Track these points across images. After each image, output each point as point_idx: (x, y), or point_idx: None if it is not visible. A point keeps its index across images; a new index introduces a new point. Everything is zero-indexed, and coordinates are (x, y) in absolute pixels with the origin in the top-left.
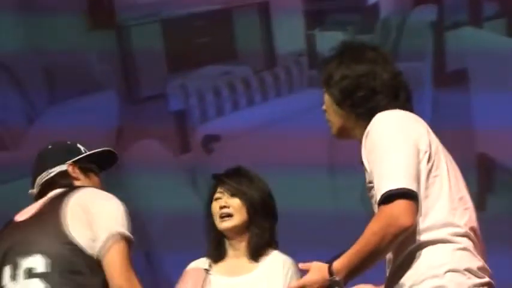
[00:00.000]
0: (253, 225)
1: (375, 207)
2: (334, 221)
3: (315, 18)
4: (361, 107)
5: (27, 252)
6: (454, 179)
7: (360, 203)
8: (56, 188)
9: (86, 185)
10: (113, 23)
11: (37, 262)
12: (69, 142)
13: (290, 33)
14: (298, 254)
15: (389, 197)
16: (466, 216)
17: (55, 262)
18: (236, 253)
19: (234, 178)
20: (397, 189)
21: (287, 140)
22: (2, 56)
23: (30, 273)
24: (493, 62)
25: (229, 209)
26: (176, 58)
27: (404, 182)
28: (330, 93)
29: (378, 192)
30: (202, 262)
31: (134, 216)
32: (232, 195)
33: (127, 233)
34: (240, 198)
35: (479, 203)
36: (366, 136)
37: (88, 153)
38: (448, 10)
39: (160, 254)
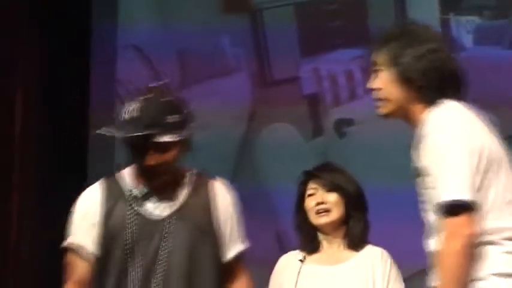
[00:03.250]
0: (351, 218)
1: (428, 212)
2: None
3: (450, 2)
4: (430, 90)
5: None
6: (503, 182)
7: None
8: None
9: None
10: (247, 6)
11: None
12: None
13: (425, 18)
14: None
15: (451, 208)
16: None
17: None
18: (332, 245)
19: (328, 173)
20: (458, 200)
21: None
22: (136, 36)
23: None
24: None
25: (327, 205)
26: (309, 41)
27: (465, 192)
28: (399, 72)
29: (439, 198)
30: (296, 254)
31: (264, 198)
32: (329, 190)
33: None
34: (338, 192)
35: None
36: (424, 136)
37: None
38: None
39: (289, 235)
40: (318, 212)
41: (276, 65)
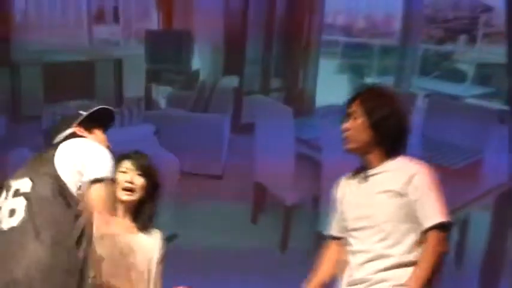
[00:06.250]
0: (146, 203)
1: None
2: None
3: (154, 75)
4: (390, 140)
5: (19, 177)
6: None
7: None
8: None
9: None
10: (8, 61)
11: (24, 184)
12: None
13: (135, 84)
14: None
15: (444, 226)
16: None
17: (36, 185)
18: (125, 218)
19: (141, 159)
20: (448, 222)
21: None
22: None
23: (17, 192)
24: (273, 120)
25: (133, 185)
26: (51, 92)
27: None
28: (372, 121)
29: (434, 217)
30: None
31: None
32: (139, 174)
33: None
34: (146, 178)
35: (254, 217)
36: (413, 175)
37: (87, 113)
38: (247, 81)
39: None
40: (124, 189)
41: (25, 106)
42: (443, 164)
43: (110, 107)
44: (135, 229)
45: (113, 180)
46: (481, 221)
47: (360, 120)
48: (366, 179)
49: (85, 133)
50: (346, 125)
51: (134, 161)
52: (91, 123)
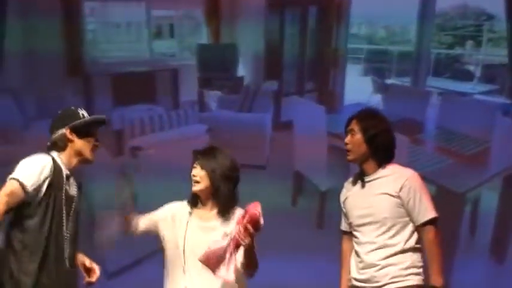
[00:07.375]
0: (218, 190)
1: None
2: None
3: (205, 81)
4: (381, 152)
5: None
6: None
7: None
8: (54, 149)
9: (77, 146)
10: (82, 73)
11: None
12: (73, 108)
13: (189, 89)
14: None
15: (435, 220)
16: None
17: None
18: (205, 207)
19: (205, 155)
20: (436, 217)
21: (185, 153)
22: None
23: None
24: (308, 118)
25: (197, 178)
26: (119, 97)
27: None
28: (367, 137)
29: (426, 214)
30: (185, 205)
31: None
32: (201, 168)
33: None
34: (206, 171)
35: (294, 201)
36: (406, 179)
37: (82, 121)
38: (285, 84)
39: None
40: (193, 181)
41: (97, 111)
42: (458, 151)
43: (104, 119)
44: (214, 215)
45: (18, 183)
46: (490, 199)
47: (357, 136)
48: (364, 184)
49: (74, 137)
50: (346, 140)
51: (196, 157)
52: (85, 128)
